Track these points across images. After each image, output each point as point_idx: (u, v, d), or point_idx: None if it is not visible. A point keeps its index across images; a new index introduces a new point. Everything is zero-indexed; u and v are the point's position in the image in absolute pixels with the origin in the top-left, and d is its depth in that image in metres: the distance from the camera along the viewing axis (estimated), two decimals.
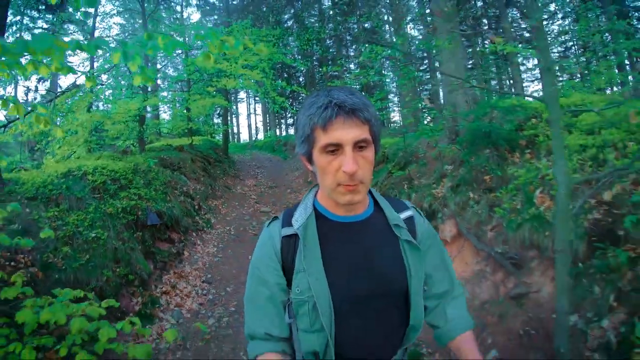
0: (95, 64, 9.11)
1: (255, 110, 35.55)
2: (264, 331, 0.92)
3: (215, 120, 19.49)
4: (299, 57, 16.61)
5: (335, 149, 0.82)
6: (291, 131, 25.08)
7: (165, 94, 8.52)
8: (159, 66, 12.36)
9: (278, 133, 23.66)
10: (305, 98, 0.87)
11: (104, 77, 7.11)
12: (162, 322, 3.88)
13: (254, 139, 28.85)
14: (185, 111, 9.13)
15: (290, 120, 26.61)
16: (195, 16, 23.63)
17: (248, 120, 40.27)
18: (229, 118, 18.73)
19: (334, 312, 0.88)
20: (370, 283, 0.90)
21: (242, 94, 30.40)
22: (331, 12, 19.24)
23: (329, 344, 0.88)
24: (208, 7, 19.32)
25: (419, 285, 0.95)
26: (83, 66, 13.49)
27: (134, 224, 4.41)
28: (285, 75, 21.27)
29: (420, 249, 0.97)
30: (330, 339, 0.87)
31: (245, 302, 0.99)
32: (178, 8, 17.56)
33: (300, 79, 21.85)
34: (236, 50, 1.56)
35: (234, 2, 17.17)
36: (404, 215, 1.01)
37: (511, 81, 15.69)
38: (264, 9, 17.97)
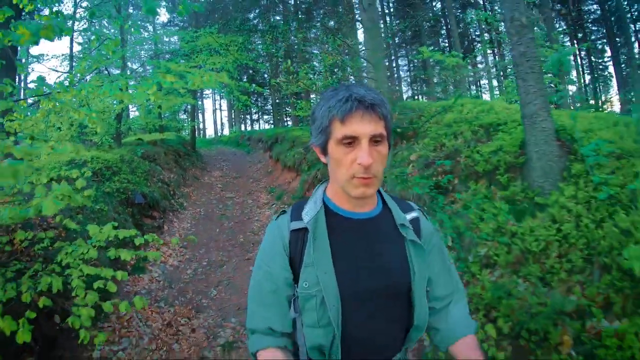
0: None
1: (220, 106, 36.26)
2: (267, 326, 0.93)
3: (181, 116, 20.35)
4: (264, 54, 17.79)
5: (351, 141, 0.86)
6: (256, 126, 26.11)
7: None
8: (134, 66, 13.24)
9: (243, 128, 24.64)
10: (323, 92, 0.98)
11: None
12: (151, 272, 5.18)
13: (219, 134, 29.67)
14: (157, 109, 10.25)
15: (255, 116, 27.67)
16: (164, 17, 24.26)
17: (214, 116, 40.93)
18: (195, 114, 19.69)
19: (341, 306, 0.89)
20: (375, 280, 0.93)
21: (207, 91, 31.07)
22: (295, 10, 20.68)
23: (335, 339, 0.89)
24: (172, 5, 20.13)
25: (422, 285, 0.98)
26: (62, 66, 14.08)
27: (125, 202, 5.67)
28: (251, 72, 22.36)
29: (425, 249, 1.00)
30: (337, 333, 0.89)
31: (249, 295, 1.00)
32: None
33: (265, 76, 23.05)
34: (211, 83, 2.94)
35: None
36: (410, 216, 1.04)
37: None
38: (230, 7, 19.04)
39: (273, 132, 13.79)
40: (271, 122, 25.95)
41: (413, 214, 1.05)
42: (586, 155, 2.85)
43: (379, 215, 1.00)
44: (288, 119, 22.53)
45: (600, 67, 20.29)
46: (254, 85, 9.14)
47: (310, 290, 0.90)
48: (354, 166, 0.86)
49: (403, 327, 0.98)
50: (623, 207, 2.49)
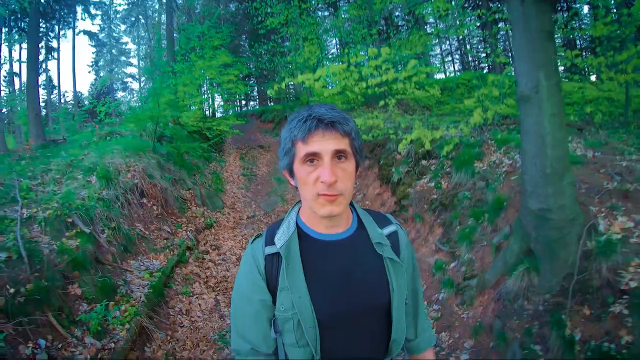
0: None
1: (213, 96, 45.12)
2: (250, 347, 1.00)
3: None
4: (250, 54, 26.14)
5: (314, 158, 0.90)
6: (244, 109, 35.27)
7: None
8: None
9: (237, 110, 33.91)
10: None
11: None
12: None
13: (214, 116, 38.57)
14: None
15: (243, 102, 36.87)
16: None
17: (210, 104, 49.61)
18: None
19: (318, 328, 0.95)
20: (353, 300, 0.98)
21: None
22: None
23: (314, 358, 0.97)
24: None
25: (400, 301, 1.04)
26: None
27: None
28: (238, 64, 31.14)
29: (403, 265, 1.06)
30: (315, 354, 0.96)
31: (231, 319, 1.07)
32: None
33: (250, 66, 31.38)
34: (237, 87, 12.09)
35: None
36: (387, 230, 1.09)
37: None
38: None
39: (261, 109, 23.48)
40: (257, 106, 34.88)
41: (391, 228, 1.10)
42: None
43: (354, 234, 1.04)
44: (271, 103, 31.61)
45: None
46: (250, 81, 18.36)
47: (286, 313, 0.96)
48: (317, 184, 0.90)
49: (384, 341, 1.06)
50: None
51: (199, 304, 4.32)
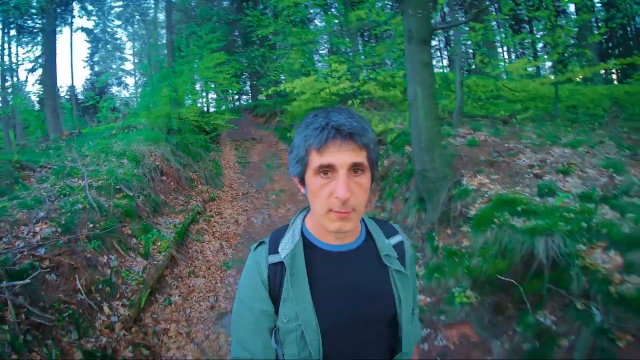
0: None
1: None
2: (250, 357, 0.99)
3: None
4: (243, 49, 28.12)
5: (328, 170, 0.86)
6: (237, 103, 36.95)
7: None
8: None
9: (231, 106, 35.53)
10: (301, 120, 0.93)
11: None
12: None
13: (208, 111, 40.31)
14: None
15: (236, 97, 38.50)
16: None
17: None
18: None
19: (322, 340, 0.95)
20: (358, 312, 0.98)
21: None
22: None
23: None
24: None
25: (408, 312, 1.04)
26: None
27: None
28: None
29: (410, 277, 1.07)
30: None
31: (231, 327, 1.06)
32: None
33: (242, 61, 33.20)
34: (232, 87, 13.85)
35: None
36: (394, 240, 1.09)
37: None
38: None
39: (254, 103, 25.24)
40: (249, 100, 36.61)
41: (397, 238, 1.10)
42: None
43: (361, 246, 1.04)
44: (263, 97, 33.26)
45: None
46: (242, 76, 20.07)
47: (290, 324, 0.95)
48: (330, 199, 0.87)
49: (387, 353, 1.06)
50: None
51: (208, 247, 6.17)
